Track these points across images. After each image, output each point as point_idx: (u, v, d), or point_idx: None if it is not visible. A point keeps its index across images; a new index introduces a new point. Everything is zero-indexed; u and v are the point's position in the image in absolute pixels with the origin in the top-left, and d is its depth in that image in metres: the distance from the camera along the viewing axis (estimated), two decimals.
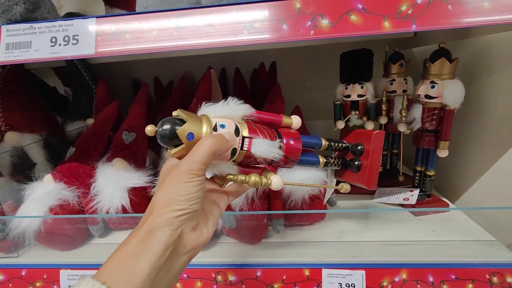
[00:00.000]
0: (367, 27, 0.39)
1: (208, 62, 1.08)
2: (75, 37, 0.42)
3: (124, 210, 0.63)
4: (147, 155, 0.77)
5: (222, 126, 0.32)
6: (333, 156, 0.49)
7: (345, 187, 0.45)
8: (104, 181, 0.64)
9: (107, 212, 0.62)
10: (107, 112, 0.71)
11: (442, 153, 0.63)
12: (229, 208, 0.58)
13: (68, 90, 0.99)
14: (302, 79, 1.10)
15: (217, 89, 0.82)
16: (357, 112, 0.74)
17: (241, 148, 0.33)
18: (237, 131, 0.33)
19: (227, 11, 0.40)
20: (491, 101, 0.62)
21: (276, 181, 0.34)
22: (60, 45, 0.42)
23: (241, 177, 0.32)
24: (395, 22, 0.38)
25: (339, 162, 0.48)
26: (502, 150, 0.58)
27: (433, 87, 0.61)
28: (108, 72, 1.12)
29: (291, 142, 0.37)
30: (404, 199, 0.68)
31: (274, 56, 1.07)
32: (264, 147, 0.34)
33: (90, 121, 0.92)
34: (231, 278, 0.54)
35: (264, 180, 0.33)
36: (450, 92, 0.60)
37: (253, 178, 0.32)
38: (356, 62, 0.72)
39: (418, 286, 0.50)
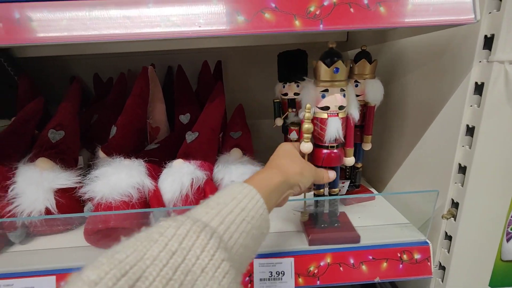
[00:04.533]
0: (280, 24, 0.41)
1: (152, 60, 1.06)
2: None
3: (49, 213, 0.59)
4: (79, 154, 0.72)
5: None
6: None
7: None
8: (24, 182, 0.59)
9: (29, 216, 0.57)
10: (30, 109, 0.66)
11: (366, 146, 0.69)
12: (162, 204, 0.57)
13: None
14: (246, 78, 1.13)
15: (157, 86, 0.80)
16: (294, 110, 0.77)
17: None
18: None
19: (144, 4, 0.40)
20: (406, 98, 0.69)
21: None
22: None
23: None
24: (305, 21, 0.41)
25: None
26: (414, 142, 0.65)
27: (356, 85, 0.66)
28: (40, 68, 1.03)
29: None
30: None
31: (220, 55, 1.08)
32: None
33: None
34: None
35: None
36: (371, 90, 0.65)
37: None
38: (291, 62, 0.76)
39: (341, 268, 0.54)
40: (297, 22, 0.42)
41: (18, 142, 0.64)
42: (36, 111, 0.66)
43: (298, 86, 0.76)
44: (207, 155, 0.66)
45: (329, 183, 0.58)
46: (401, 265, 0.54)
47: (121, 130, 0.70)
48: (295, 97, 0.77)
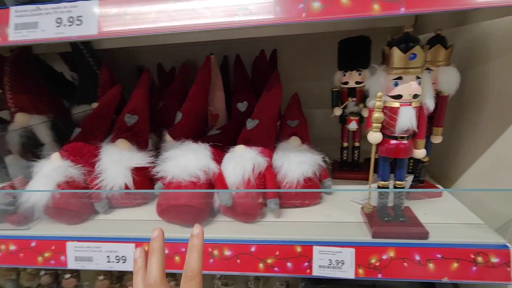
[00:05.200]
0: (357, 9, 0.40)
1: (210, 49, 1.10)
2: (79, 18, 0.44)
3: (127, 188, 0.66)
4: (149, 138, 0.79)
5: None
6: None
7: None
8: (108, 160, 0.67)
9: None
10: (111, 95, 0.73)
11: (436, 139, 0.64)
12: (225, 186, 0.61)
13: (74, 75, 1.02)
14: (302, 67, 1.11)
15: (217, 75, 0.84)
16: (354, 99, 0.75)
17: None
18: None
19: None
20: (487, 87, 0.62)
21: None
22: (65, 25, 0.44)
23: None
24: (385, 4, 0.40)
25: None
26: (494, 137, 0.59)
27: (428, 73, 0.61)
28: (112, 59, 1.14)
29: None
30: None
31: (275, 44, 1.08)
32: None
33: (95, 105, 0.94)
34: (227, 252, 0.57)
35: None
36: (445, 79, 0.60)
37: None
38: (354, 49, 0.73)
39: (405, 264, 0.52)
40: (375, 6, 0.40)
41: (101, 124, 0.73)
42: (115, 97, 0.74)
43: (360, 74, 0.73)
44: (267, 142, 0.68)
45: (395, 175, 0.56)
46: (474, 268, 0.51)
47: (186, 116, 0.75)
48: (356, 85, 0.74)
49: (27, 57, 0.87)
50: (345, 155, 0.84)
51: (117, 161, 0.67)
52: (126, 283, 0.87)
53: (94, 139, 0.70)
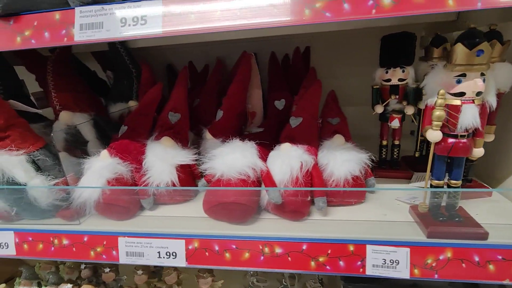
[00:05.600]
0: (430, 5, 0.39)
1: (240, 47, 1.09)
2: (143, 18, 0.45)
3: (172, 185, 0.67)
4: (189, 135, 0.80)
5: None
6: None
7: None
8: (153, 157, 0.68)
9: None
10: (153, 93, 0.74)
11: (488, 137, 0.62)
12: (274, 184, 0.61)
13: (110, 74, 1.04)
14: (333, 64, 1.10)
15: (255, 73, 0.84)
16: (397, 97, 0.74)
17: None
18: None
19: None
20: None
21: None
22: (129, 25, 0.45)
23: None
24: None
25: None
26: None
27: None
28: (143, 57, 1.15)
29: None
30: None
31: (306, 41, 1.07)
32: None
33: (132, 103, 0.96)
34: (278, 250, 0.57)
35: None
36: (501, 75, 0.58)
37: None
38: (398, 45, 0.72)
39: (463, 264, 0.51)
40: (450, 1, 0.39)
41: (145, 122, 0.74)
42: (157, 95, 0.75)
43: (403, 71, 0.72)
44: (311, 140, 0.67)
45: (451, 174, 0.55)
46: None
47: (226, 114, 0.76)
48: (399, 83, 0.73)
49: (67, 57, 0.90)
50: (384, 153, 0.83)
51: (162, 159, 0.68)
52: (165, 278, 0.88)
53: (139, 136, 0.71)
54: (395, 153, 0.82)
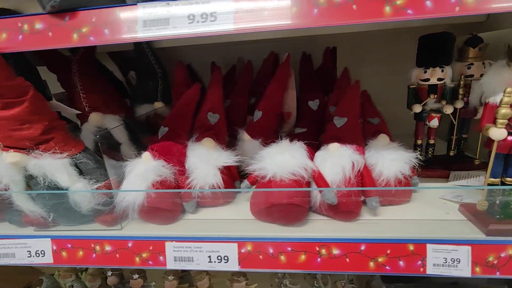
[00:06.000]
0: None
1: (261, 47, 1.09)
2: (213, 14, 0.43)
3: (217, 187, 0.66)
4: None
5: None
6: None
7: None
8: (196, 159, 0.66)
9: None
10: (191, 94, 0.73)
11: None
12: (327, 185, 0.60)
13: (133, 74, 1.01)
14: (358, 65, 1.10)
15: (291, 74, 0.83)
16: (435, 96, 0.74)
17: None
18: None
19: None
20: None
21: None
22: (198, 22, 0.44)
23: None
24: None
25: None
26: None
27: None
28: (163, 57, 1.13)
29: None
30: None
31: (330, 42, 1.07)
32: None
33: (157, 104, 0.94)
34: (335, 251, 0.56)
35: None
36: None
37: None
38: (438, 45, 0.72)
39: None
40: None
41: (185, 123, 0.72)
42: (196, 95, 0.73)
43: (442, 71, 0.73)
44: (357, 139, 0.67)
45: (506, 171, 0.55)
46: None
47: (265, 115, 0.74)
48: (438, 82, 0.73)
49: (92, 57, 0.87)
50: (418, 152, 0.83)
51: (205, 160, 0.66)
52: (197, 283, 0.86)
53: (180, 138, 0.69)
54: (429, 152, 0.82)
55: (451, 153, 0.83)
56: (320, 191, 0.59)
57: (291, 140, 0.67)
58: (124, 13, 0.45)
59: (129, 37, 0.45)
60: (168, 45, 1.05)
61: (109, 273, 0.90)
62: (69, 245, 0.63)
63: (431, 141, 0.81)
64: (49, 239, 0.64)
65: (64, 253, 0.64)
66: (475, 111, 0.78)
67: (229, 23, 0.43)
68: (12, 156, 0.53)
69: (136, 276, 0.88)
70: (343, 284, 0.93)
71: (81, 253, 0.63)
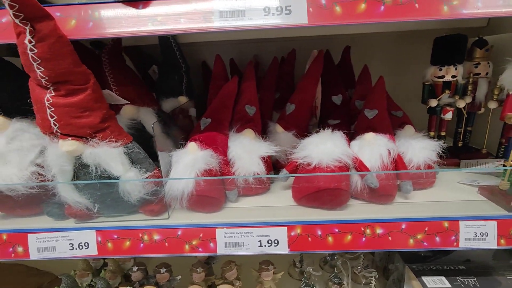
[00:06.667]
0: None
1: (275, 46, 1.14)
2: (288, 8, 0.46)
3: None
4: None
5: None
6: None
7: None
8: (240, 149, 0.69)
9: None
10: (232, 86, 0.75)
11: None
12: (368, 170, 0.65)
13: (155, 68, 1.01)
14: (370, 64, 1.17)
15: None
16: (449, 91, 0.82)
17: None
18: None
19: None
20: None
21: None
22: (273, 14, 0.47)
23: None
24: None
25: None
26: None
27: None
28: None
29: None
30: None
31: (344, 42, 1.13)
32: None
33: (182, 99, 0.94)
34: (379, 231, 0.61)
35: None
36: None
37: None
38: (452, 45, 0.80)
39: None
40: None
41: (227, 114, 0.74)
42: (235, 88, 0.75)
43: (456, 69, 0.81)
44: (388, 130, 0.73)
45: None
46: None
47: (299, 107, 0.78)
48: (452, 79, 0.81)
49: (120, 49, 0.86)
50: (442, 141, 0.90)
51: (248, 150, 0.69)
52: (226, 274, 0.87)
53: (224, 129, 0.71)
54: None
55: (460, 144, 0.92)
56: (363, 176, 0.64)
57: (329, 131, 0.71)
58: (199, 4, 0.47)
59: (204, 27, 0.47)
60: (183, 40, 1.05)
61: (135, 268, 0.89)
62: (115, 236, 0.63)
63: (443, 133, 0.89)
64: (94, 230, 0.63)
65: (109, 244, 0.63)
66: (480, 105, 0.87)
67: (303, 18, 0.46)
68: (69, 145, 0.52)
69: (163, 270, 0.88)
70: (359, 269, 0.99)
71: (128, 243, 0.63)
